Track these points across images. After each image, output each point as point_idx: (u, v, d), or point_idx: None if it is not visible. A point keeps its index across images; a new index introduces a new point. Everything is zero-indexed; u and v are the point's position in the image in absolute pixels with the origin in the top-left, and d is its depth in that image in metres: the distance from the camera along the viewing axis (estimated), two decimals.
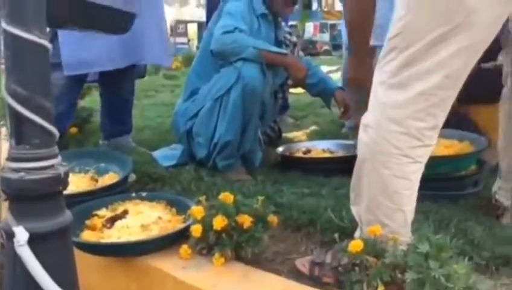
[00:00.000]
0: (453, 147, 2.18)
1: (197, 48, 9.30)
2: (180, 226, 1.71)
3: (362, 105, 1.46)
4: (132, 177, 2.27)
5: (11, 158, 1.03)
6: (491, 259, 1.52)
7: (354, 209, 1.48)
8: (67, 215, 1.10)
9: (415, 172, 1.36)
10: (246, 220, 1.54)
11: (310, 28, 27.51)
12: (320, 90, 2.77)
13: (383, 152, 1.34)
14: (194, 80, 2.55)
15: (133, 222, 1.76)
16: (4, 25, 1.01)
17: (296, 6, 2.77)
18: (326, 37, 28.08)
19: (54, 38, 2.45)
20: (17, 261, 1.02)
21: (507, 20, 1.36)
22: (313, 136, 3.30)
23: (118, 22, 1.93)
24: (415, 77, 1.29)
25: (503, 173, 1.86)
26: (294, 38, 2.80)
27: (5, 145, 1.17)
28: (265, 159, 2.69)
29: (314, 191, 2.13)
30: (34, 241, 1.01)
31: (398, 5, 1.34)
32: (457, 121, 2.37)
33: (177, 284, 1.51)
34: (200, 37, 17.06)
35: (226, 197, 1.60)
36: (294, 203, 1.94)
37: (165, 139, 2.97)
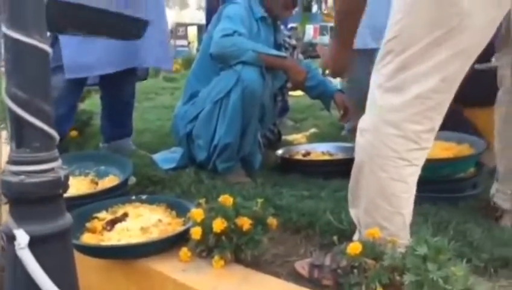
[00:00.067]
0: (452, 149, 2.18)
1: (197, 50, 9.32)
2: (180, 228, 1.72)
3: (360, 108, 1.46)
4: (132, 180, 2.28)
5: (11, 161, 1.04)
6: (490, 261, 1.52)
7: (352, 212, 1.49)
8: (68, 218, 1.11)
9: (412, 175, 1.36)
10: (245, 223, 1.55)
11: (310, 30, 27.51)
12: (320, 92, 2.78)
13: (380, 155, 1.35)
14: (194, 83, 2.55)
15: (133, 224, 1.76)
16: (4, 29, 1.01)
17: (296, 9, 2.78)
18: (326, 39, 28.03)
19: (54, 42, 2.46)
20: (17, 263, 1.02)
21: (501, 24, 1.37)
22: (312, 139, 3.31)
23: (130, 29, 1.95)
24: (411, 80, 1.30)
25: (500, 176, 1.87)
26: (293, 42, 2.81)
27: (5, 149, 1.18)
28: (265, 162, 2.69)
29: (313, 193, 2.13)
30: (34, 244, 1.02)
31: (393, 9, 1.35)
32: (456, 123, 2.38)
33: (177, 287, 1.52)
34: (200, 40, 17.07)
35: (226, 199, 1.61)
36: (294, 205, 1.94)
37: (165, 142, 2.98)
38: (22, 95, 1.01)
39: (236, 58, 2.27)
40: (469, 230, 1.69)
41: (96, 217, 1.83)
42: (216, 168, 2.40)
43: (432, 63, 1.28)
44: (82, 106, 3.58)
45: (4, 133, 2.85)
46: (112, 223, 1.77)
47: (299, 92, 3.11)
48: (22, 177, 1.02)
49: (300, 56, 3.41)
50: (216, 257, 1.55)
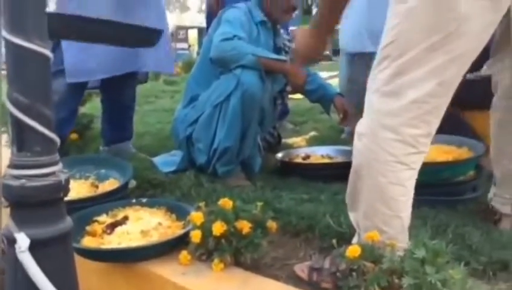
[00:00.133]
0: (451, 152, 2.19)
1: (198, 53, 9.32)
2: (179, 232, 1.72)
3: (359, 111, 1.47)
4: (132, 183, 2.28)
5: (12, 165, 1.05)
6: (489, 264, 1.53)
7: (351, 216, 1.50)
8: (68, 222, 1.11)
9: (410, 178, 1.37)
10: (245, 226, 1.56)
11: None
12: (320, 96, 2.79)
13: (378, 160, 1.35)
14: (194, 86, 2.56)
15: (133, 227, 1.77)
16: (5, 34, 1.02)
17: (296, 12, 2.79)
18: None
19: (56, 46, 2.47)
20: (18, 267, 1.02)
21: (495, 30, 1.37)
22: (312, 142, 3.31)
23: (144, 39, 1.96)
24: (408, 85, 1.31)
25: (497, 181, 1.88)
26: (293, 45, 2.81)
27: (6, 152, 1.18)
28: (265, 165, 2.70)
29: (313, 196, 2.14)
30: (35, 248, 1.02)
31: (390, 14, 1.36)
32: (455, 126, 2.39)
33: None
34: (200, 43, 17.08)
35: (225, 203, 1.61)
36: (293, 208, 1.95)
37: (165, 145, 2.98)
38: (23, 100, 1.01)
39: (236, 62, 2.28)
40: (468, 233, 1.69)
41: (97, 221, 1.84)
42: (216, 172, 2.41)
43: (428, 68, 1.29)
44: (83, 109, 3.59)
45: (5, 137, 2.86)
46: (112, 226, 1.78)
47: (299, 95, 3.11)
48: (23, 181, 1.03)
49: None
50: (216, 260, 1.55)
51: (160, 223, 1.79)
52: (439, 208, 1.93)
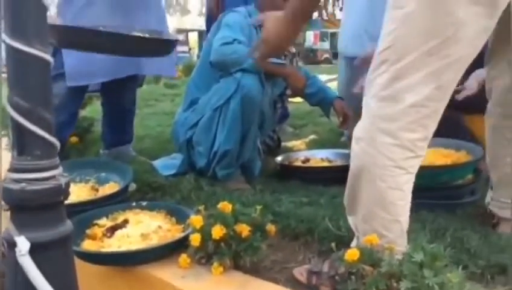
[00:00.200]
0: (450, 156, 2.20)
1: (198, 56, 9.32)
2: (179, 235, 1.73)
3: (358, 114, 1.47)
4: (132, 186, 2.29)
5: (13, 169, 1.05)
6: (487, 268, 1.53)
7: (350, 219, 1.50)
8: (68, 225, 1.12)
9: (408, 182, 1.38)
10: (244, 229, 1.56)
11: (310, 36, 27.62)
12: (319, 99, 2.80)
13: (377, 164, 1.36)
14: (194, 90, 2.57)
15: (133, 231, 1.77)
16: (6, 39, 1.03)
17: None
18: (326, 45, 28.19)
19: (56, 50, 2.47)
20: (18, 270, 1.03)
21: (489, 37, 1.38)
22: (312, 145, 3.32)
23: (159, 49, 1.98)
24: (406, 89, 1.31)
25: (494, 185, 1.89)
26: (293, 49, 2.82)
27: (6, 155, 1.19)
28: (265, 168, 2.71)
29: (312, 200, 2.14)
30: (35, 251, 1.02)
31: (386, 20, 1.36)
32: (454, 130, 2.39)
33: None
34: (201, 46, 17.10)
35: (225, 206, 1.62)
36: (293, 212, 1.95)
37: (165, 149, 2.99)
38: (24, 104, 1.02)
39: (235, 65, 2.29)
40: (466, 237, 1.70)
41: (97, 224, 1.84)
42: (216, 175, 2.42)
43: (426, 72, 1.29)
44: (83, 112, 3.59)
45: (5, 140, 2.87)
46: (112, 229, 1.78)
47: (298, 99, 3.12)
48: (23, 184, 1.03)
49: (300, 63, 3.43)
50: (215, 264, 1.56)
51: (160, 227, 1.79)
52: (437, 212, 1.93)
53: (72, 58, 2.49)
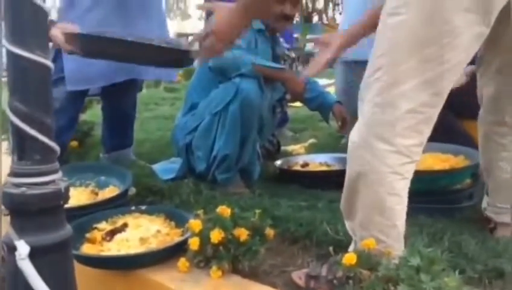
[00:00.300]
0: (448, 161, 2.21)
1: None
2: (178, 239, 1.74)
3: (356, 119, 1.48)
4: (132, 190, 2.29)
5: (13, 173, 1.06)
6: (484, 272, 1.54)
7: (347, 224, 1.51)
8: (68, 229, 1.12)
9: (404, 188, 1.38)
10: (242, 233, 1.57)
11: None
12: (319, 104, 2.81)
13: (374, 170, 1.36)
14: (193, 95, 2.58)
15: (132, 235, 1.78)
16: (6, 44, 1.03)
17: (297, 19, 2.81)
18: None
19: (57, 55, 2.48)
20: (18, 274, 1.03)
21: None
22: (311, 150, 3.32)
23: (181, 60, 1.99)
24: (402, 95, 1.32)
25: (489, 190, 1.90)
26: (292, 54, 2.83)
27: (6, 160, 1.20)
28: (264, 173, 2.71)
29: (311, 204, 2.15)
30: (35, 255, 1.03)
31: (381, 27, 1.37)
32: (452, 135, 2.40)
33: None
34: None
35: (223, 210, 1.63)
36: (291, 216, 1.95)
37: (164, 153, 2.99)
38: (24, 109, 1.03)
39: (235, 70, 2.30)
40: (464, 241, 1.70)
41: (96, 228, 1.85)
42: (215, 179, 2.42)
43: (422, 79, 1.30)
44: (83, 116, 3.59)
45: (5, 144, 2.87)
46: (112, 233, 1.79)
47: (298, 103, 3.13)
48: (23, 189, 1.04)
49: (300, 68, 3.44)
50: (214, 268, 1.56)
51: (159, 231, 1.80)
52: (436, 216, 1.94)
53: (71, 63, 2.50)
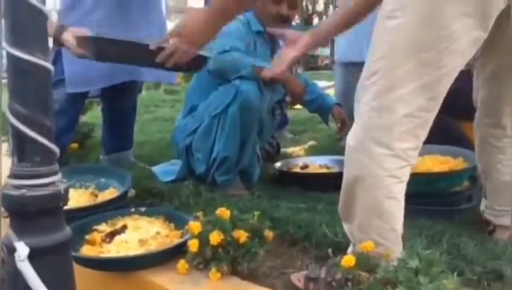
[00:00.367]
0: (447, 163, 2.21)
1: None
2: (177, 241, 1.74)
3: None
4: (132, 192, 2.30)
5: (12, 175, 1.06)
6: (483, 274, 1.54)
7: (345, 227, 1.51)
8: (67, 231, 1.12)
9: (401, 191, 1.39)
10: (242, 235, 1.57)
11: None
12: (318, 106, 2.82)
13: (371, 174, 1.36)
14: (193, 97, 2.58)
15: (131, 236, 1.78)
16: (6, 47, 1.04)
17: (298, 22, 2.82)
18: (326, 51, 28.12)
19: (57, 57, 2.48)
20: (17, 275, 1.04)
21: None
22: (310, 152, 3.33)
23: (194, 65, 2.00)
24: (399, 99, 1.32)
25: (487, 193, 1.90)
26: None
27: (6, 161, 1.20)
28: (264, 174, 2.71)
29: (310, 206, 2.15)
30: (34, 257, 1.03)
31: (378, 30, 1.37)
32: (452, 137, 2.41)
33: None
34: None
35: (223, 212, 1.63)
36: (291, 218, 1.95)
37: (164, 155, 3.00)
38: (24, 111, 1.03)
39: (234, 73, 2.31)
40: (463, 243, 1.70)
41: (96, 229, 1.85)
42: (215, 181, 2.43)
43: (419, 83, 1.30)
44: (83, 118, 3.60)
45: (5, 146, 2.88)
46: (111, 235, 1.79)
47: (298, 105, 3.14)
48: (23, 190, 1.04)
49: (300, 70, 3.44)
50: (213, 269, 1.57)
51: (158, 232, 1.81)
52: (434, 218, 1.94)
53: (71, 65, 2.50)
